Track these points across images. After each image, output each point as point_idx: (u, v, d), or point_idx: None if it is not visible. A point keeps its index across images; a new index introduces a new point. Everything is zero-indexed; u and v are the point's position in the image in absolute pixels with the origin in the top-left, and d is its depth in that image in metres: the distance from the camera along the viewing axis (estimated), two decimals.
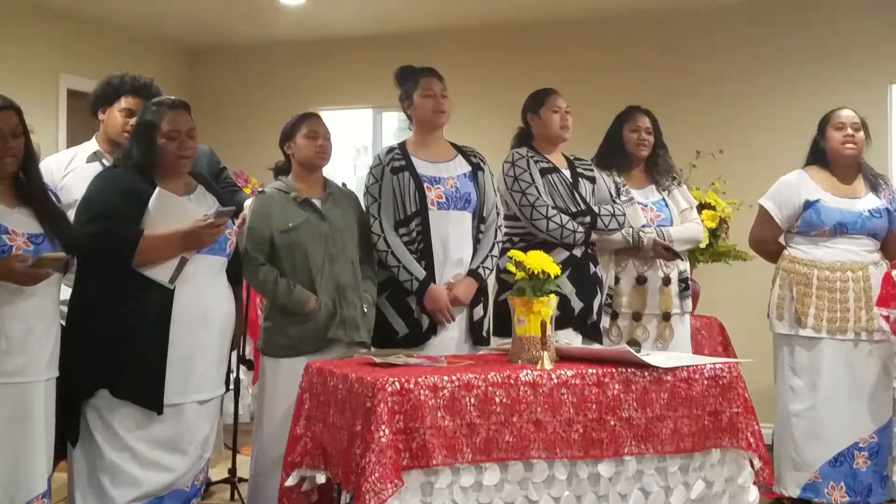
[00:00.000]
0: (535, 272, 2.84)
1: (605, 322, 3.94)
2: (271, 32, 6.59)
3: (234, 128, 6.88)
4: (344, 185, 3.60)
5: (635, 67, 6.17)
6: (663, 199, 4.07)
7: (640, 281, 4.00)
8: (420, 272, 3.40)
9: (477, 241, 3.52)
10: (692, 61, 6.08)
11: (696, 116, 5.99)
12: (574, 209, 3.67)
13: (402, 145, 3.58)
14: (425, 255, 3.42)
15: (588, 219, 3.70)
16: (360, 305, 3.34)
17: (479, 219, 3.56)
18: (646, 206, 4.05)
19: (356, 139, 7.00)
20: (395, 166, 3.45)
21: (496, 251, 3.58)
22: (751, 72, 5.94)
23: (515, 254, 2.92)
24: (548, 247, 3.45)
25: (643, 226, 3.97)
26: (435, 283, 3.45)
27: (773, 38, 5.90)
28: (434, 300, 3.42)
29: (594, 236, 3.86)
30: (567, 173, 3.83)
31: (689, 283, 4.08)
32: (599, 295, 3.85)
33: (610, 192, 3.83)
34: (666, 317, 3.97)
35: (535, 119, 3.85)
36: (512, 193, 3.59)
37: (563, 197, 3.68)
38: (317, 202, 3.32)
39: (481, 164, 3.62)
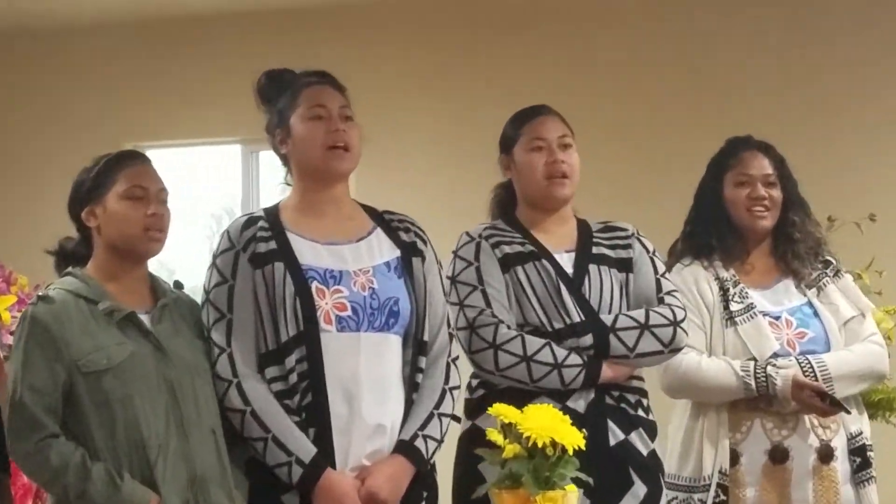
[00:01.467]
0: (542, 445, 2.34)
1: None
2: (67, 7, 5.90)
3: None
4: (178, 286, 2.90)
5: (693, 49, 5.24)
6: (809, 304, 3.30)
7: (777, 457, 3.13)
8: (306, 448, 2.64)
9: (413, 389, 2.74)
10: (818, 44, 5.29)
11: (825, 160, 5.02)
12: (557, 323, 2.94)
13: (273, 211, 2.83)
14: (315, 415, 2.67)
15: (588, 339, 2.90)
16: None
17: (415, 346, 2.76)
18: (778, 318, 3.28)
19: (215, 200, 6.56)
20: (257, 252, 2.72)
21: (448, 406, 2.77)
22: None
23: (502, 410, 2.38)
24: (519, 394, 2.75)
25: (774, 355, 3.18)
26: (335, 467, 2.64)
27: None
28: (334, 500, 2.63)
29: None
30: (566, 258, 3.05)
31: (870, 455, 3.28)
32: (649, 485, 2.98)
33: (659, 283, 3.05)
34: None
35: (509, 165, 3.08)
36: (449, 308, 2.89)
37: (541, 301, 2.97)
38: (144, 319, 2.69)
39: (419, 244, 2.83)
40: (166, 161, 5.79)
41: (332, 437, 2.58)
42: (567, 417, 2.37)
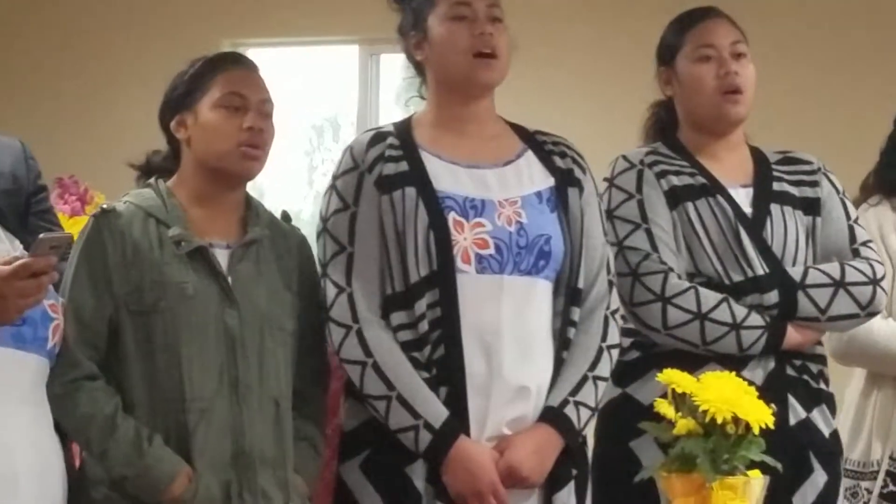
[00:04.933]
0: (722, 421, 2.31)
1: None
2: None
3: (47, 88, 6.07)
4: (285, 217, 2.91)
5: None
6: None
7: None
8: (436, 411, 2.63)
9: (563, 346, 2.73)
10: None
11: None
12: (736, 274, 2.91)
13: (405, 126, 2.81)
14: (448, 372, 2.65)
15: (773, 296, 2.88)
16: (282, 501, 2.70)
17: (567, 295, 2.75)
18: None
19: (323, 108, 6.51)
20: (385, 174, 2.71)
21: (604, 368, 2.74)
22: None
23: (674, 378, 2.36)
24: (684, 359, 2.71)
25: None
26: (469, 435, 2.64)
27: None
28: (467, 472, 2.63)
29: (814, 333, 2.96)
30: (742, 194, 2.98)
31: None
32: (827, 469, 2.97)
33: (853, 231, 3.03)
34: None
35: (670, 79, 3.03)
36: (609, 251, 2.96)
37: (716, 248, 2.93)
38: (221, 254, 2.67)
39: (576, 172, 2.83)
40: (267, 62, 5.82)
41: (468, 399, 2.57)
42: (753, 389, 2.30)
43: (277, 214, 2.87)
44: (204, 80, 2.69)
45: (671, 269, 2.84)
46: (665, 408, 2.32)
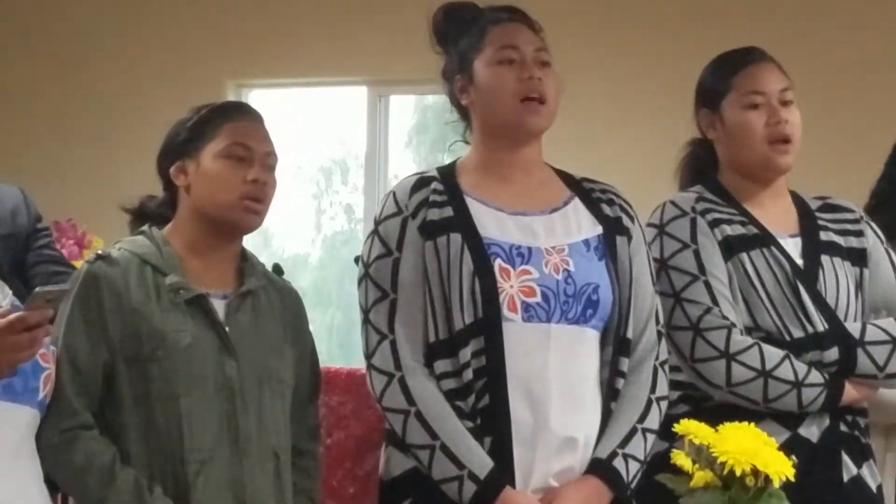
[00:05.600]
0: (742, 474, 2.28)
1: None
2: None
3: (48, 130, 6.15)
4: (278, 271, 2.96)
5: None
6: None
7: None
8: (481, 461, 2.59)
9: (612, 397, 2.72)
10: None
11: None
12: (796, 330, 2.87)
13: (449, 171, 2.80)
14: (494, 421, 2.63)
15: (833, 353, 2.86)
16: None
17: (616, 344, 2.74)
18: None
19: (331, 150, 6.57)
20: (429, 219, 2.70)
21: (653, 420, 2.73)
22: None
23: (691, 429, 2.34)
24: (737, 415, 2.65)
25: None
26: (514, 486, 2.61)
27: None
28: None
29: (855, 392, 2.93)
30: (791, 244, 2.95)
31: None
32: None
33: None
34: None
35: (713, 123, 2.99)
36: (658, 300, 2.90)
37: (774, 302, 2.90)
38: (217, 305, 2.68)
39: (624, 220, 2.82)
40: (273, 104, 5.92)
41: (513, 449, 2.54)
42: (773, 441, 2.30)
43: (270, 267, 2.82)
44: (209, 128, 2.69)
45: (734, 325, 2.81)
46: (682, 459, 2.31)
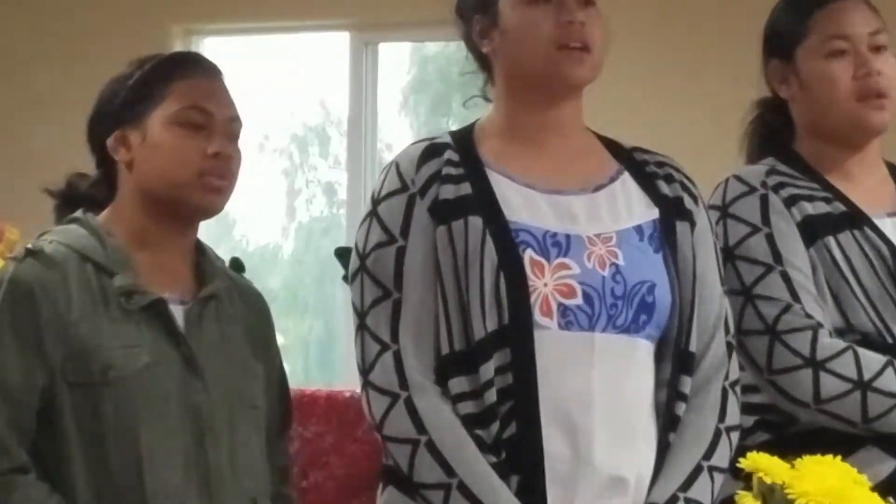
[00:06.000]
0: None
1: None
2: None
3: None
4: (237, 266, 3.15)
5: None
6: None
7: None
8: (504, 500, 2.61)
9: (670, 426, 2.73)
10: None
11: None
12: None
13: (466, 137, 2.80)
14: (522, 455, 2.62)
15: None
16: None
17: (676, 359, 2.74)
18: None
19: (307, 113, 6.60)
20: (442, 197, 2.71)
21: (723, 455, 2.74)
22: None
23: (761, 464, 2.32)
24: (829, 442, 2.60)
25: None
26: None
27: None
28: None
29: None
30: (890, 225, 2.99)
31: None
32: None
33: None
34: None
35: (787, 77, 3.03)
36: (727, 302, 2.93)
37: (870, 295, 2.93)
38: (176, 311, 2.71)
39: (686, 201, 2.83)
40: (231, 54, 6.05)
41: (546, 491, 2.54)
42: (864, 478, 2.28)
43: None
44: (155, 88, 2.69)
45: (821, 325, 2.83)
46: (750, 502, 2.27)
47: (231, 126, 2.68)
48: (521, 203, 2.66)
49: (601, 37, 2.72)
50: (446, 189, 2.64)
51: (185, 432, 2.62)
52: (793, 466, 2.27)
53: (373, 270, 2.65)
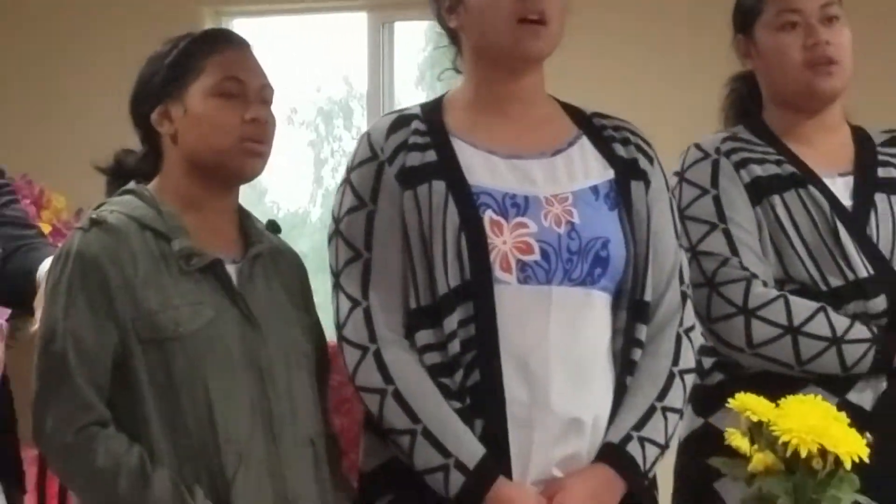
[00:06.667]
0: (806, 454, 2.32)
1: None
2: None
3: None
4: (274, 228, 2.98)
5: None
6: None
7: None
8: (471, 448, 2.65)
9: (627, 370, 2.76)
10: None
11: None
12: (834, 279, 2.96)
13: (434, 108, 2.85)
14: (485, 401, 2.68)
15: (880, 302, 2.93)
16: None
17: (631, 309, 2.78)
18: None
19: (332, 89, 6.58)
20: (409, 165, 2.75)
21: (676, 397, 2.75)
22: None
23: (748, 404, 2.39)
24: (776, 382, 2.75)
25: None
26: (510, 476, 2.66)
27: None
28: None
29: None
30: (841, 183, 3.03)
31: None
32: None
33: None
34: None
35: (749, 51, 3.10)
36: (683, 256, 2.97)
37: (810, 248, 2.97)
38: (231, 272, 2.73)
39: (641, 161, 2.86)
40: (258, 36, 5.86)
41: (508, 434, 2.58)
42: (843, 415, 2.33)
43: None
44: (192, 64, 2.72)
45: (755, 276, 2.87)
46: (738, 440, 2.35)
47: (264, 92, 2.72)
48: (482, 168, 2.68)
49: (560, 9, 2.70)
50: (413, 156, 2.68)
51: (249, 381, 2.66)
52: (777, 406, 2.33)
53: (346, 233, 2.70)
